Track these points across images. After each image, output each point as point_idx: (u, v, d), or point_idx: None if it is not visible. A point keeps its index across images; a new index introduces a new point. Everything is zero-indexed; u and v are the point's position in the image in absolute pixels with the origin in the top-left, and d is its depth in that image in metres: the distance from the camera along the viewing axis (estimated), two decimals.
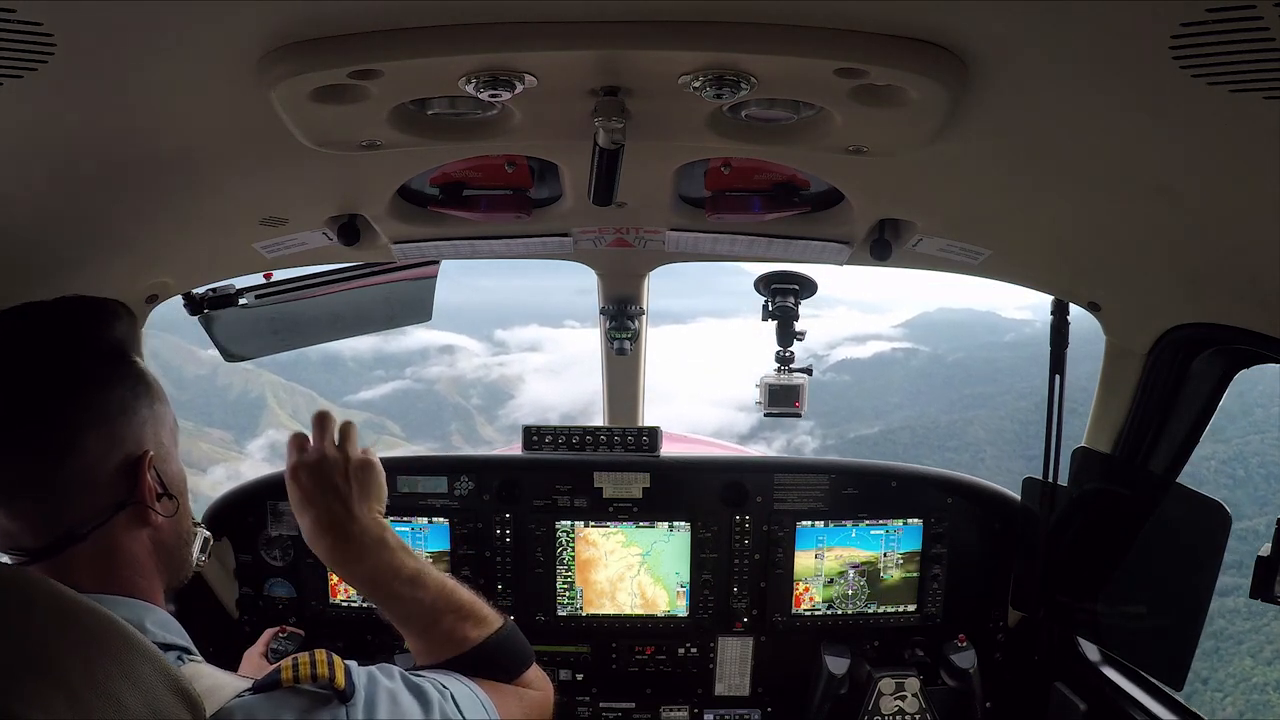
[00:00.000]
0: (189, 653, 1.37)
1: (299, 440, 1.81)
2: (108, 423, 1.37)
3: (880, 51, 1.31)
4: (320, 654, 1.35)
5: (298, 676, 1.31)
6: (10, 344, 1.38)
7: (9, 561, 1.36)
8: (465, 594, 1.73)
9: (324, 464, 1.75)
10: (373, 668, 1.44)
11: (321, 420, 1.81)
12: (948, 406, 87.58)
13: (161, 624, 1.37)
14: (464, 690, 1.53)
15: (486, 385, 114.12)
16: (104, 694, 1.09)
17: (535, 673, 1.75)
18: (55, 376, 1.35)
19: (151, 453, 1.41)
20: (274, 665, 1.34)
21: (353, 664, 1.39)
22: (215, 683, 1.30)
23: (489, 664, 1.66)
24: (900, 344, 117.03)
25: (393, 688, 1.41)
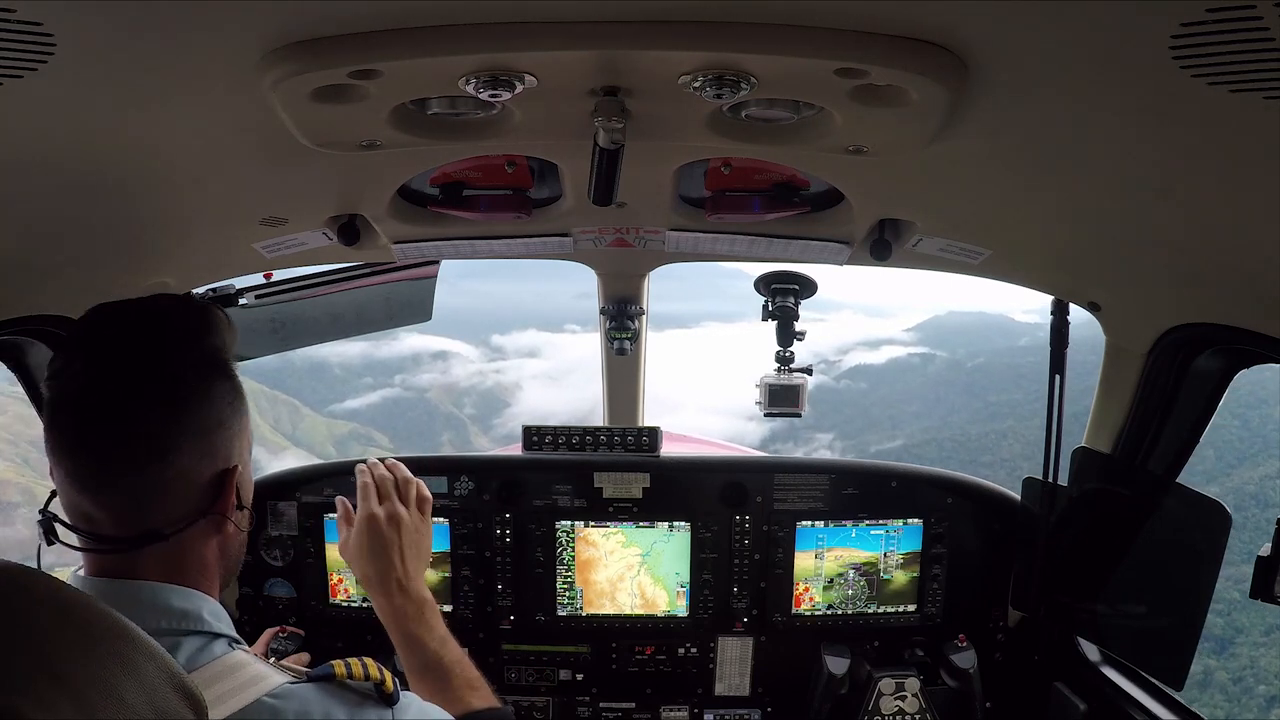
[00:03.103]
0: (237, 642, 1.42)
1: (369, 484, 1.98)
2: (205, 436, 1.40)
3: (880, 51, 1.31)
4: (370, 661, 1.43)
5: (350, 674, 1.40)
6: (117, 344, 1.38)
7: (77, 544, 1.39)
8: (477, 672, 1.88)
9: (401, 526, 1.94)
10: (419, 699, 1.56)
11: (406, 481, 2.01)
12: (972, 416, 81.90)
13: (216, 614, 1.42)
14: None
15: (481, 393, 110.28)
16: (107, 691, 1.09)
17: None
18: (162, 385, 1.37)
19: (239, 468, 1.46)
20: (297, 649, 1.43)
21: (398, 680, 1.49)
22: (260, 671, 1.36)
23: None
24: (915, 349, 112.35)
25: (438, 717, 1.54)
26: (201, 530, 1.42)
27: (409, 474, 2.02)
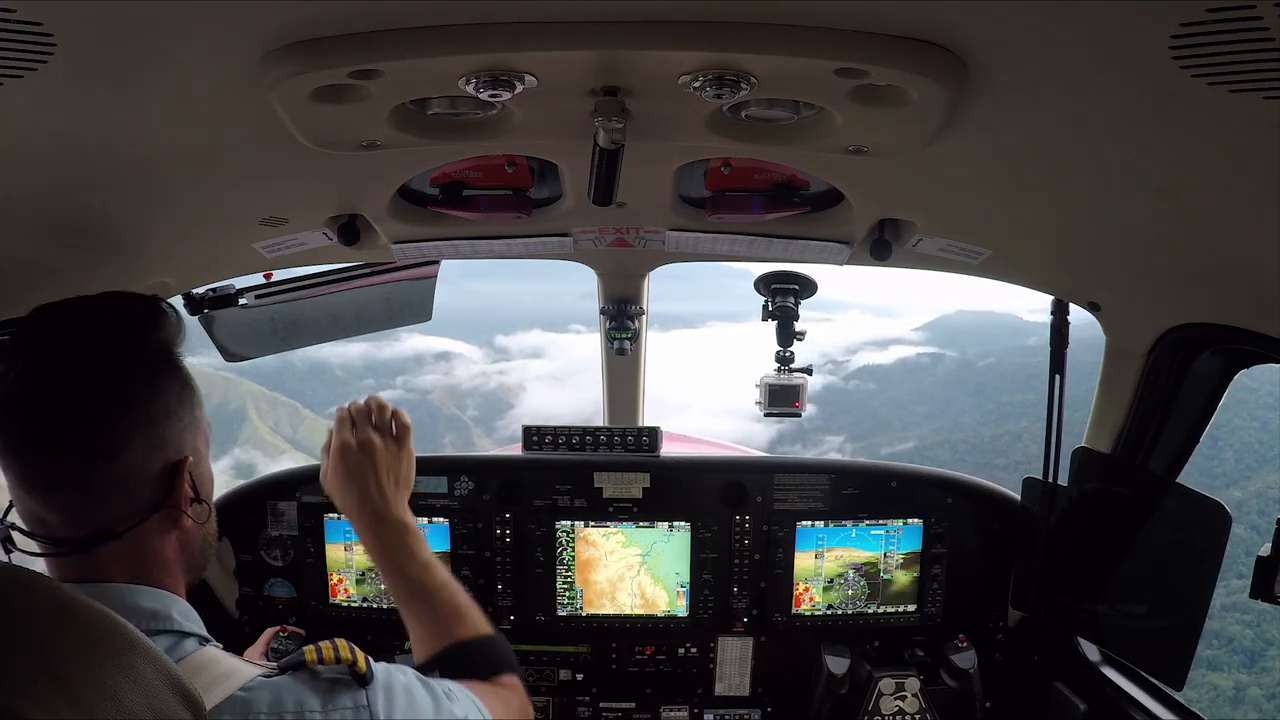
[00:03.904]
0: (207, 640, 1.41)
1: (344, 417, 1.97)
2: (153, 428, 1.39)
3: (880, 51, 1.31)
4: (341, 641, 1.42)
5: (321, 659, 1.38)
6: (62, 341, 1.39)
7: (38, 548, 1.38)
8: (465, 597, 1.86)
9: (374, 451, 1.92)
10: (389, 664, 1.51)
11: (380, 407, 1.99)
12: (984, 417, 79.13)
13: (185, 614, 1.41)
14: (465, 697, 1.60)
15: (484, 394, 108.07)
16: (105, 693, 1.09)
17: (515, 682, 1.83)
18: (107, 379, 1.37)
19: (190, 459, 1.45)
20: (298, 649, 1.41)
21: (370, 658, 1.46)
22: (233, 666, 1.35)
23: (471, 660, 1.78)
24: (924, 349, 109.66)
25: (408, 682, 1.49)
26: (158, 525, 1.41)
27: (384, 401, 2.00)
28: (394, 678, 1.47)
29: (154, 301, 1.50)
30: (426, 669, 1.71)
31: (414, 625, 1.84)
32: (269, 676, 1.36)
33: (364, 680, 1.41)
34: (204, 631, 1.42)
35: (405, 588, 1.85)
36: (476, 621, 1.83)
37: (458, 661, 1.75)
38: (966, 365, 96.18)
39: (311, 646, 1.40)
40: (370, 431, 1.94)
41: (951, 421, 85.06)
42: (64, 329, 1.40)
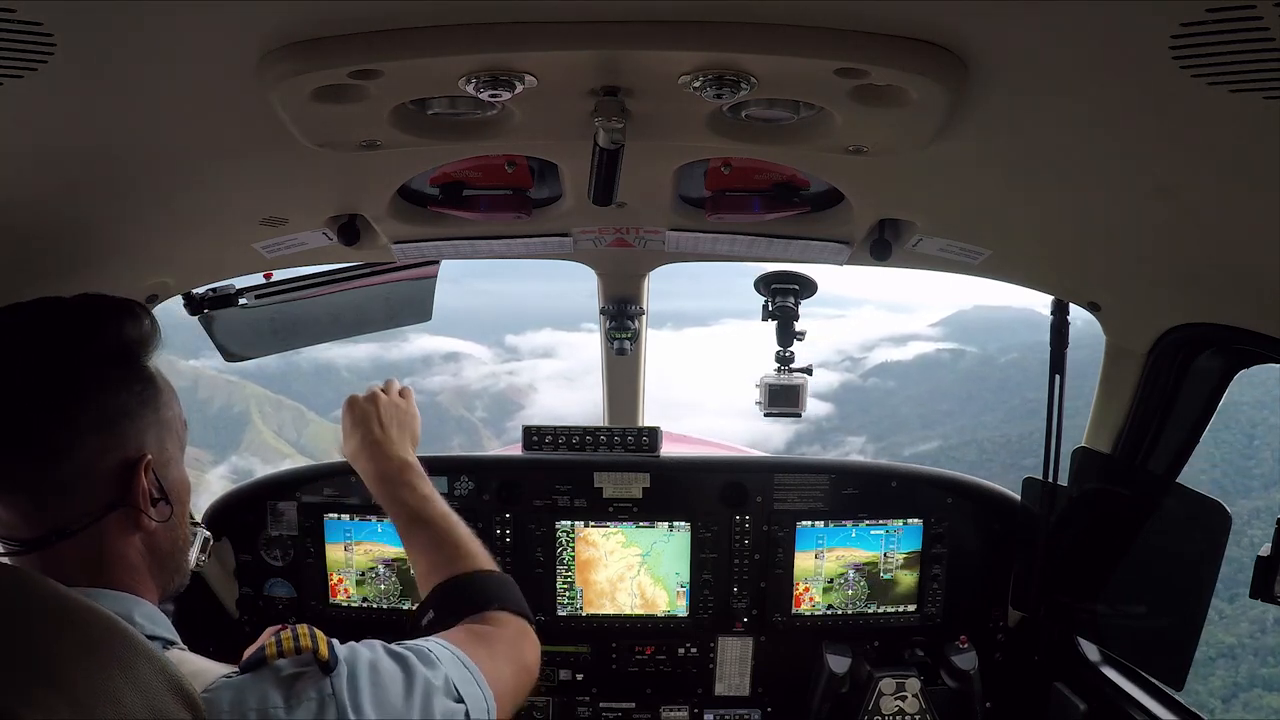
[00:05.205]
0: (172, 643, 1.38)
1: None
2: (109, 426, 1.37)
3: (880, 51, 1.31)
4: (302, 628, 1.37)
5: (281, 651, 1.33)
6: (21, 340, 1.38)
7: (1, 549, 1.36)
8: (466, 531, 1.93)
9: (377, 400, 2.14)
10: (354, 642, 1.45)
11: (388, 382, 2.24)
12: (1008, 414, 74.19)
13: (149, 617, 1.38)
14: (447, 654, 1.55)
15: (493, 395, 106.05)
16: (104, 694, 1.09)
17: (509, 619, 1.79)
18: (62, 378, 1.36)
19: (150, 457, 1.41)
20: (258, 644, 1.36)
21: (335, 640, 1.41)
22: (199, 668, 1.31)
23: (466, 596, 1.80)
24: (944, 345, 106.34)
25: (373, 658, 1.43)
26: (117, 525, 1.38)
27: (391, 379, 2.26)
28: (358, 657, 1.41)
29: (123, 303, 1.48)
30: (424, 608, 1.80)
31: (415, 559, 1.92)
32: (231, 677, 1.31)
33: (327, 667, 1.35)
34: (170, 635, 1.39)
35: (404, 516, 1.94)
36: (475, 556, 1.87)
37: (453, 597, 1.78)
38: (988, 361, 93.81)
39: (272, 639, 1.35)
40: (377, 388, 2.17)
41: (974, 419, 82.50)
42: (22, 328, 1.39)
